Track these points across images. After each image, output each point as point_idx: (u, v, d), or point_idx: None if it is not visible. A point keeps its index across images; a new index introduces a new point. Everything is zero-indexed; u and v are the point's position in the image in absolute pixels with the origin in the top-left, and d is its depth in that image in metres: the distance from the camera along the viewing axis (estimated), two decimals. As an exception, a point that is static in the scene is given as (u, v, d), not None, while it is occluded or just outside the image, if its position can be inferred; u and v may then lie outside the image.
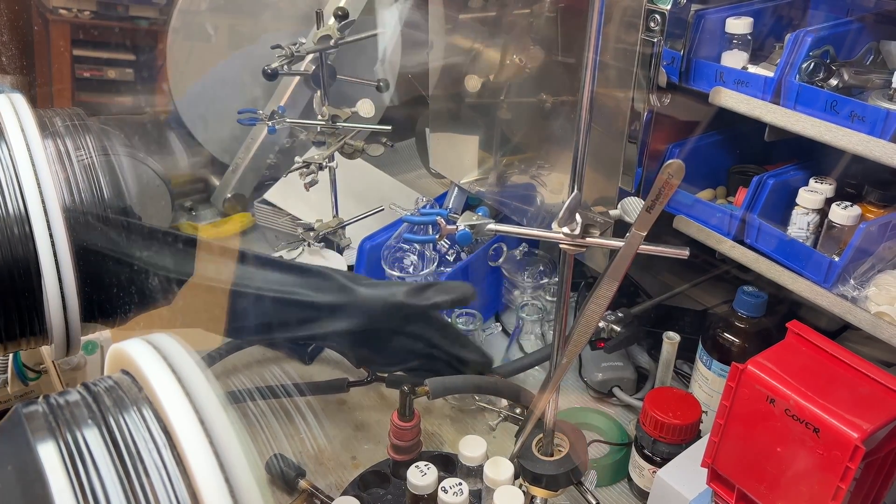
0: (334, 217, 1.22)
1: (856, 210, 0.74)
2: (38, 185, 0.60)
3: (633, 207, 0.63)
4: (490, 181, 1.14)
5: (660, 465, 0.79)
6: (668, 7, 0.80)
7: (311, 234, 1.19)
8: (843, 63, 0.76)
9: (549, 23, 0.95)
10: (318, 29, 1.14)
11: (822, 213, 0.77)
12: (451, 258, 1.15)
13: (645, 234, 0.56)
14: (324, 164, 1.14)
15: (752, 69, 0.81)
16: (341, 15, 1.13)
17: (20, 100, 0.67)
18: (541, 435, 0.74)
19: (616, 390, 0.98)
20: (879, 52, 0.78)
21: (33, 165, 0.61)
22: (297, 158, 1.15)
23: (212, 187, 1.45)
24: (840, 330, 0.87)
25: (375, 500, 0.84)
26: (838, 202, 0.75)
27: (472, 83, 1.08)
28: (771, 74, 0.77)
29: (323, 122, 1.13)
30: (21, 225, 0.60)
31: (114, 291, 0.71)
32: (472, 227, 0.65)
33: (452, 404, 0.99)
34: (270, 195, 1.33)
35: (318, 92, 1.18)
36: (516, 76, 1.03)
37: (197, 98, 1.34)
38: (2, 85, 1.23)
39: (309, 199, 1.25)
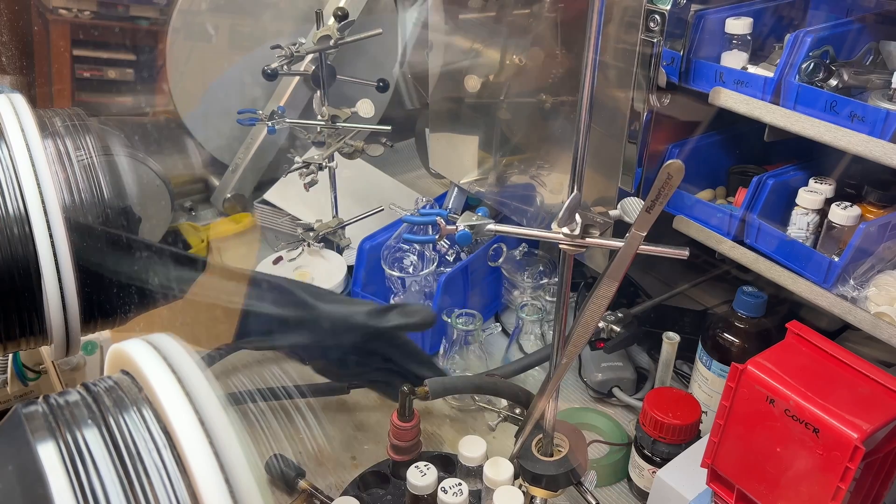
0: (334, 217, 1.22)
1: (855, 210, 0.74)
2: (38, 185, 0.60)
3: (632, 208, 0.63)
4: (490, 181, 1.14)
5: (659, 466, 0.79)
6: (668, 7, 0.80)
7: (311, 234, 1.19)
8: (842, 63, 0.76)
9: (549, 23, 0.95)
10: (317, 29, 1.14)
11: (822, 213, 0.77)
12: (450, 258, 1.15)
13: (644, 234, 0.56)
14: (323, 164, 1.14)
15: (752, 69, 0.81)
16: (341, 15, 1.13)
17: (20, 100, 0.66)
18: (540, 435, 0.74)
19: (616, 390, 0.98)
20: (879, 53, 0.78)
21: (33, 166, 0.61)
22: (297, 158, 1.15)
23: (212, 187, 1.46)
24: (840, 330, 0.87)
25: (375, 501, 0.84)
26: (838, 202, 0.75)
27: (472, 83, 1.08)
28: (771, 75, 0.77)
29: (323, 123, 1.13)
30: (21, 225, 0.60)
31: (114, 291, 0.71)
32: (471, 227, 0.65)
33: (452, 405, 0.99)
34: (270, 195, 1.33)
35: (318, 92, 1.18)
36: (516, 76, 1.03)
37: (197, 98, 1.34)
38: (2, 85, 1.23)
39: (309, 200, 1.25)
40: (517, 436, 0.76)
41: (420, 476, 0.74)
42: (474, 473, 0.79)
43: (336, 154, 1.15)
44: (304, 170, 1.13)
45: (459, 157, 1.19)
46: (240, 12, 1.33)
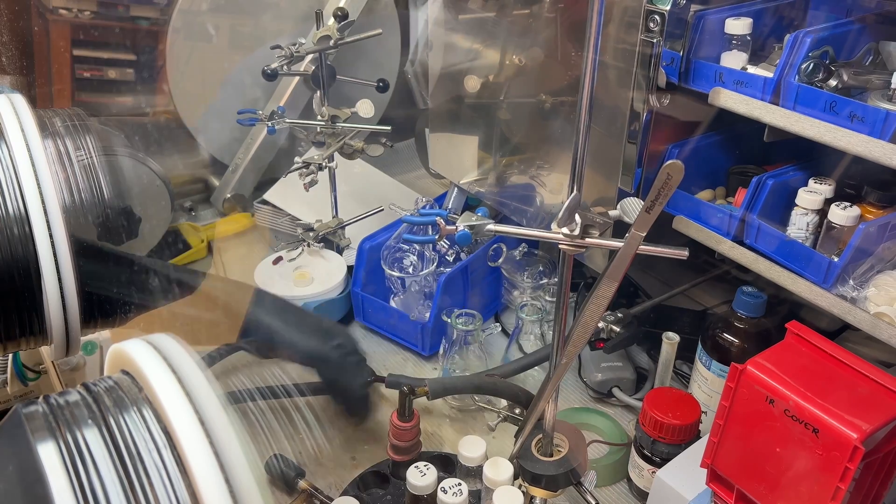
0: (334, 217, 1.22)
1: (855, 210, 0.74)
2: (38, 185, 0.60)
3: (632, 208, 0.63)
4: (489, 181, 1.14)
5: (659, 466, 0.79)
6: (668, 7, 0.81)
7: (311, 234, 1.19)
8: (842, 64, 0.76)
9: (549, 23, 0.95)
10: (317, 29, 1.14)
11: (822, 213, 0.77)
12: (450, 258, 1.15)
13: (644, 234, 0.56)
14: (323, 164, 1.14)
15: (752, 70, 0.81)
16: (341, 15, 1.13)
17: (20, 100, 0.67)
18: (540, 435, 0.74)
19: (615, 391, 0.98)
20: (879, 53, 0.78)
21: (33, 166, 0.61)
22: (296, 159, 1.15)
23: (212, 187, 1.46)
24: (839, 330, 0.88)
25: (375, 501, 0.84)
26: (837, 203, 0.75)
27: (472, 83, 1.08)
28: (770, 75, 0.77)
29: (322, 123, 1.13)
30: (21, 225, 0.60)
31: (114, 292, 0.71)
32: (471, 227, 0.65)
33: (452, 405, 0.99)
34: (270, 195, 1.33)
35: (318, 92, 1.18)
36: (516, 76, 1.03)
37: (197, 98, 1.35)
38: (2, 85, 1.23)
39: (309, 200, 1.25)
40: (517, 436, 0.76)
41: (420, 476, 0.74)
42: (474, 473, 0.79)
43: (336, 154, 1.15)
44: (304, 170, 1.13)
45: (459, 157, 1.19)
46: (240, 12, 1.33)
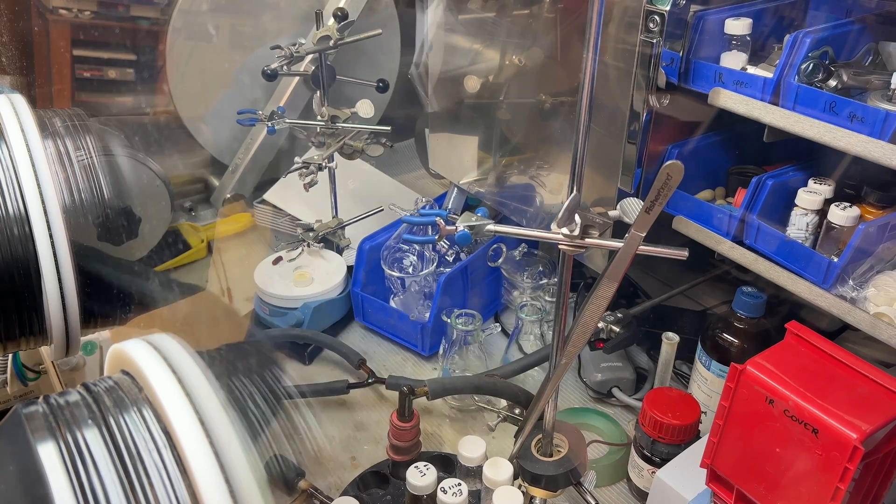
0: (334, 217, 1.22)
1: (855, 211, 0.74)
2: (38, 185, 0.60)
3: (632, 208, 0.63)
4: (489, 182, 1.14)
5: (659, 466, 0.79)
6: (668, 8, 0.81)
7: (311, 234, 1.19)
8: (842, 64, 0.76)
9: (548, 23, 0.95)
10: (317, 29, 1.14)
11: (822, 213, 0.77)
12: (450, 259, 1.15)
13: (644, 234, 0.56)
14: (323, 164, 1.14)
15: (752, 70, 0.81)
16: (341, 15, 1.13)
17: (20, 100, 0.67)
18: (540, 435, 0.74)
19: (615, 391, 0.98)
20: (878, 54, 0.78)
21: (33, 166, 0.61)
22: (296, 159, 1.15)
23: (212, 187, 1.46)
24: (839, 330, 0.88)
25: (375, 501, 0.84)
26: (837, 203, 0.75)
27: (472, 83, 1.08)
28: (770, 75, 0.77)
29: (322, 123, 1.13)
30: (21, 225, 0.60)
31: (113, 292, 0.71)
32: (471, 227, 0.65)
33: (452, 405, 0.99)
34: (270, 195, 1.33)
35: (318, 92, 1.18)
36: (516, 77, 1.03)
37: (197, 98, 1.34)
38: (2, 85, 1.23)
39: (308, 200, 1.25)
40: (517, 436, 0.76)
41: (420, 476, 0.74)
42: (474, 473, 0.79)
43: (336, 154, 1.15)
44: (304, 170, 1.13)
45: (459, 158, 1.19)
46: (240, 12, 1.33)
